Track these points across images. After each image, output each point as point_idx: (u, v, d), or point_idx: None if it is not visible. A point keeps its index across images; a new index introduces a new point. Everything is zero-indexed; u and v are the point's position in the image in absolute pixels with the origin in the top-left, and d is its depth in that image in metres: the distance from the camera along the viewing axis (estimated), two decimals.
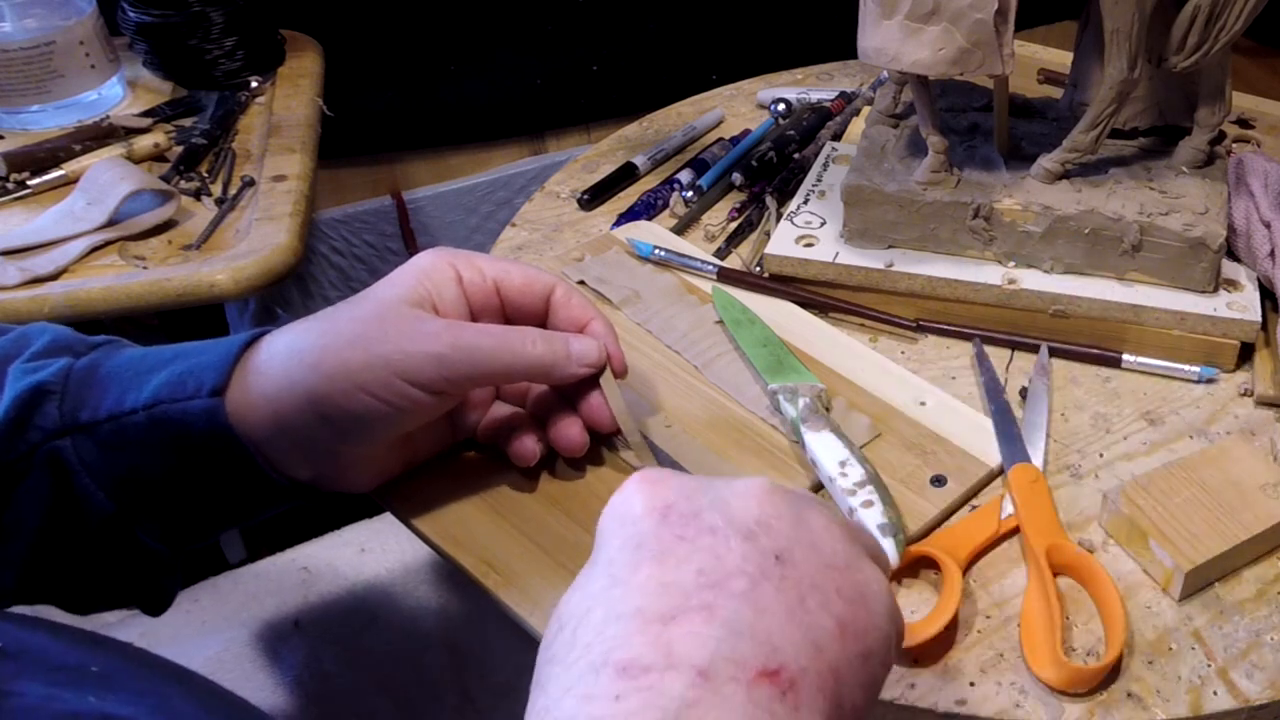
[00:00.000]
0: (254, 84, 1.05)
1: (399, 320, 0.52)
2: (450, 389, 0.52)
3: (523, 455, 0.57)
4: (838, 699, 0.36)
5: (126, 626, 0.79)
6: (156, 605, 0.58)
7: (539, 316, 0.58)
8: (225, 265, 0.81)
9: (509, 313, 0.57)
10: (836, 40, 0.84)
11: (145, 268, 0.82)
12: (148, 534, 0.53)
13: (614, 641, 0.35)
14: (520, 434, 0.58)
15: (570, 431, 0.57)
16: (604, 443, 0.60)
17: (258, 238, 0.84)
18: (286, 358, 0.51)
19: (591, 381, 0.57)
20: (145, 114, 1.00)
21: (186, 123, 1.00)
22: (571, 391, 0.58)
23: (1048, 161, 0.69)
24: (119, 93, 1.04)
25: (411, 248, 1.34)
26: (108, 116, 1.00)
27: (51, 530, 0.51)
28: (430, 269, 0.55)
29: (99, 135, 0.95)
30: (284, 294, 1.01)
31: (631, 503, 0.39)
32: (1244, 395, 0.65)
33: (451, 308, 0.54)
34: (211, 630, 0.79)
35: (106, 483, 0.51)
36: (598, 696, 0.33)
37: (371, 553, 0.86)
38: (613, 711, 0.33)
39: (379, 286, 0.54)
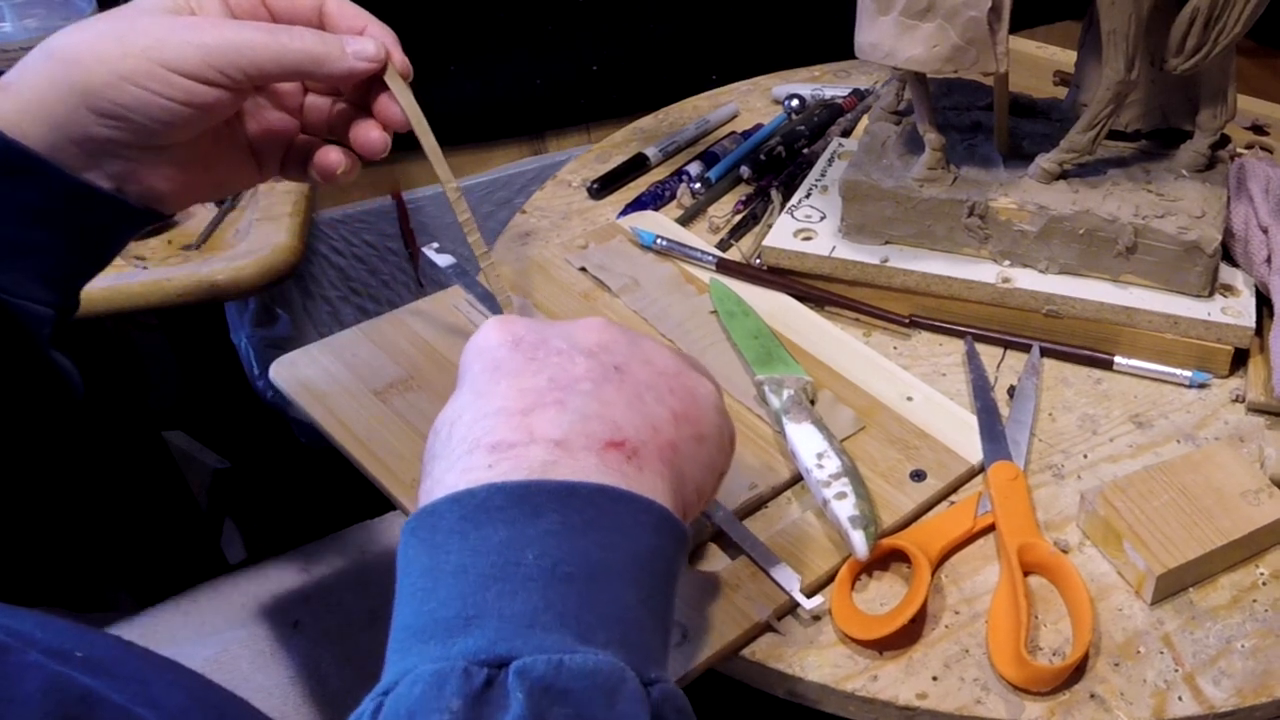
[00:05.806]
0: None
1: (156, 18, 0.54)
2: (221, 80, 0.54)
3: (326, 167, 0.61)
4: (678, 468, 0.46)
5: (125, 627, 0.82)
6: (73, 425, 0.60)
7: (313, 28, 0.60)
8: (225, 265, 0.85)
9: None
10: (838, 39, 0.88)
11: (145, 268, 0.86)
12: (11, 293, 0.55)
13: (483, 431, 0.43)
14: (322, 149, 0.62)
15: (370, 135, 0.60)
16: None
17: (258, 238, 0.88)
18: (42, 59, 0.53)
19: (380, 85, 0.60)
20: None
21: None
22: (364, 100, 0.61)
23: (1045, 161, 0.72)
24: None
25: (412, 247, 1.38)
26: None
27: None
28: None
29: None
30: (284, 294, 1.05)
31: (488, 337, 0.48)
32: (1236, 401, 0.68)
33: (214, 15, 0.56)
34: (211, 630, 0.82)
35: None
36: (474, 468, 0.42)
37: (371, 553, 0.89)
38: (488, 477, 0.41)
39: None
